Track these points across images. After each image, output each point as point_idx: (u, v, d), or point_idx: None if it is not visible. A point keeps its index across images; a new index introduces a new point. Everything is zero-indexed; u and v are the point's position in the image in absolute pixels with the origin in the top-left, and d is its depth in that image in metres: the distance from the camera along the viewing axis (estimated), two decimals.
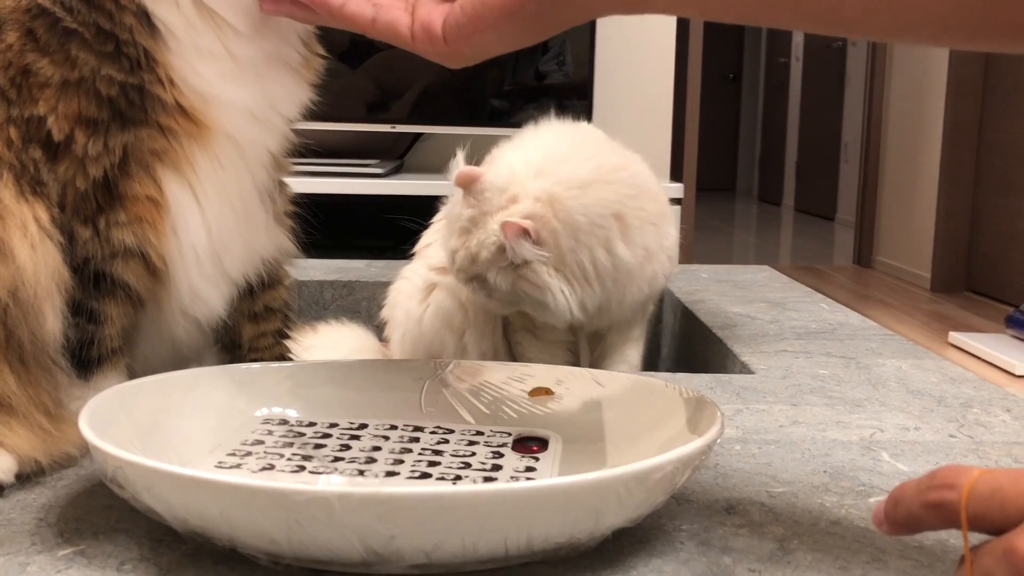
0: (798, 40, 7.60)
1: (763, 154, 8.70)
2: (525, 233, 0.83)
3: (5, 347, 0.59)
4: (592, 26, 2.63)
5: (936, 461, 0.69)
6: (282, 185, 0.75)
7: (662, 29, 2.81)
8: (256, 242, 0.72)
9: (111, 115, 0.61)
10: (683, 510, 0.60)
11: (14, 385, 0.60)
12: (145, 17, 0.61)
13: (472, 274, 0.87)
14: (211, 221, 0.66)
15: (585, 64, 2.67)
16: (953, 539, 0.56)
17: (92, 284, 0.63)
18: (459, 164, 0.87)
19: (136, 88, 0.61)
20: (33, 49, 0.59)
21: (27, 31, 0.59)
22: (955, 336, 3.63)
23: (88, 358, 0.64)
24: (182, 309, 0.68)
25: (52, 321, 0.61)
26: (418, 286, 1.02)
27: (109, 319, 0.64)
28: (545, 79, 2.72)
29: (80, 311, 0.63)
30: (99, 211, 0.62)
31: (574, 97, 2.68)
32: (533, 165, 0.86)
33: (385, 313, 1.07)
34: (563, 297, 0.86)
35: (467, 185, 0.86)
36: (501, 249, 0.85)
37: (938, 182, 4.66)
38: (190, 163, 0.64)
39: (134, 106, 0.61)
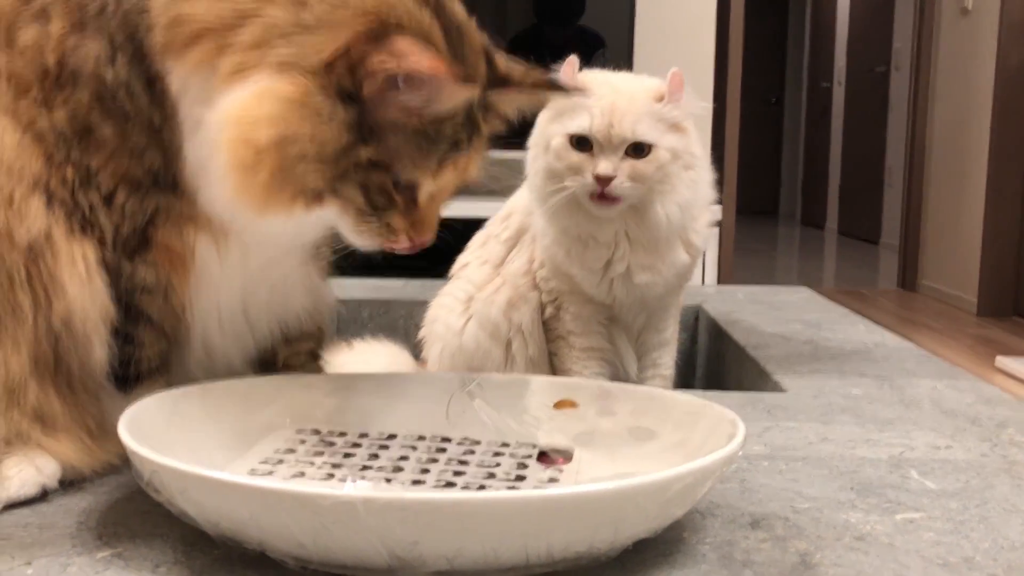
0: (840, 64, 7.55)
1: (806, 178, 8.63)
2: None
3: (54, 373, 0.63)
4: (630, 48, 2.65)
5: (967, 480, 0.69)
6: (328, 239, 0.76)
7: (701, 52, 2.82)
8: (291, 300, 0.74)
9: (152, 181, 0.64)
10: (707, 524, 0.60)
11: (59, 407, 0.63)
12: (181, 146, 0.63)
13: (620, 139, 0.91)
14: (236, 281, 0.69)
15: None
16: (979, 557, 0.56)
17: (125, 311, 0.67)
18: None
19: (173, 173, 0.64)
20: (100, 112, 0.63)
21: (97, 96, 0.63)
22: (1002, 360, 3.55)
23: (128, 376, 0.68)
24: (207, 349, 0.71)
25: (99, 351, 0.65)
26: (460, 299, 1.04)
27: (143, 343, 0.67)
28: None
29: (120, 335, 0.67)
30: (135, 250, 0.66)
31: None
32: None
33: (424, 331, 1.09)
34: (684, 189, 0.92)
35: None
36: (659, 98, 0.92)
37: (984, 205, 4.59)
38: (220, 232, 0.66)
39: (171, 182, 0.64)
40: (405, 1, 0.60)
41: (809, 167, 8.58)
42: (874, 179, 6.83)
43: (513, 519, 0.47)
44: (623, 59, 2.64)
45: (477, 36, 0.66)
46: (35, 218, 0.62)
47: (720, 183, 3.15)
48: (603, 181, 0.91)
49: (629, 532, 0.51)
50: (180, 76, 0.61)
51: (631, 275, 0.96)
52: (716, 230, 2.66)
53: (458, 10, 0.65)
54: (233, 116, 0.58)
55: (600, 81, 0.96)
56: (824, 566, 0.54)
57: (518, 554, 0.48)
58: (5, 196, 0.62)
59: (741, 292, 1.52)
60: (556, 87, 0.72)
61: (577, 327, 1.00)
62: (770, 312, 1.35)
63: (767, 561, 0.55)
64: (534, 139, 0.99)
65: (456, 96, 0.60)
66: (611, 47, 2.64)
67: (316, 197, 0.60)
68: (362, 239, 0.64)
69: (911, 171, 5.38)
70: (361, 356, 1.10)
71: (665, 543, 0.56)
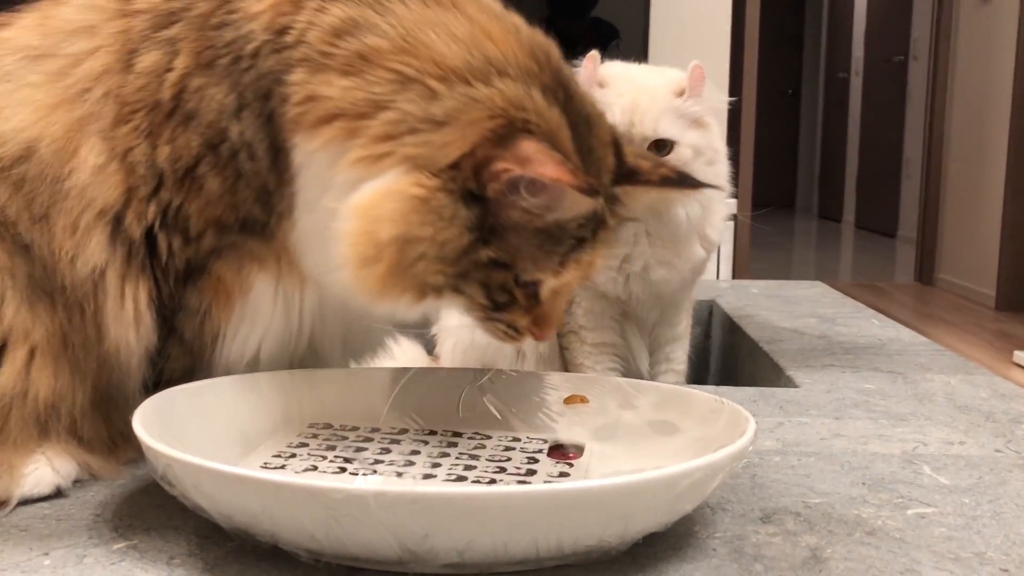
0: (858, 55, 7.50)
1: (823, 170, 8.59)
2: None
3: (105, 400, 0.65)
4: (645, 40, 2.64)
5: (979, 476, 0.68)
6: None
7: (717, 43, 2.81)
8: (359, 348, 0.74)
9: (239, 227, 0.64)
10: (717, 518, 0.60)
11: (100, 430, 0.65)
12: (291, 210, 0.63)
13: (641, 138, 0.90)
14: (293, 322, 0.68)
15: None
16: (991, 552, 0.56)
17: (168, 326, 0.67)
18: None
19: (267, 227, 0.64)
20: (210, 162, 0.63)
21: (210, 144, 0.62)
22: (1020, 355, 3.53)
23: (155, 383, 0.68)
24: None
25: (137, 377, 0.66)
26: None
27: (169, 356, 0.68)
28: None
29: (158, 350, 0.67)
30: (189, 277, 0.66)
31: None
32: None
33: (437, 326, 1.09)
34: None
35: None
36: (680, 93, 0.92)
37: (1003, 198, 4.55)
38: (290, 275, 0.66)
39: (259, 231, 0.64)
40: (535, 98, 0.59)
41: (826, 159, 8.53)
42: (892, 171, 6.78)
43: (523, 513, 0.47)
44: (638, 51, 2.63)
45: (606, 128, 0.66)
46: (93, 252, 0.62)
47: (735, 176, 3.14)
48: None
49: (639, 526, 0.51)
50: (305, 151, 0.61)
51: (648, 272, 0.96)
52: (731, 224, 2.65)
53: (588, 103, 0.65)
54: (359, 209, 0.57)
55: (621, 75, 0.94)
56: (835, 560, 0.54)
57: (528, 547, 0.48)
58: (72, 221, 0.61)
59: (755, 287, 1.52)
60: (685, 183, 0.70)
61: (589, 322, 1.00)
62: (784, 307, 1.35)
63: (778, 555, 0.55)
64: None
65: (580, 206, 0.59)
66: (626, 39, 2.63)
67: (436, 292, 0.59)
68: (483, 331, 0.64)
69: (929, 163, 5.34)
70: None
71: (675, 537, 0.56)
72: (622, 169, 0.66)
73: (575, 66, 0.89)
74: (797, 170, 9.03)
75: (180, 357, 0.67)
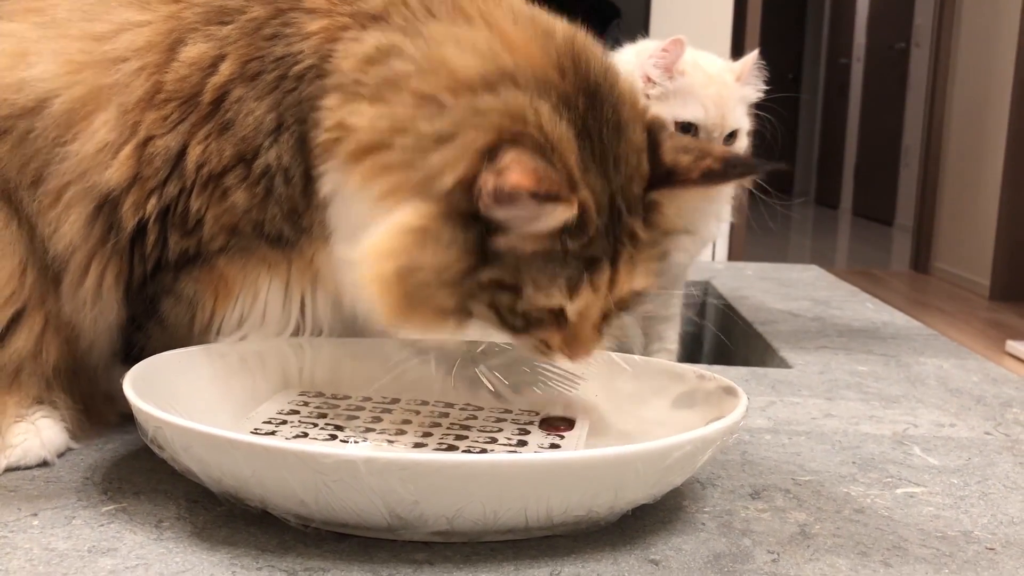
0: (860, 41, 7.46)
1: (821, 157, 8.57)
2: None
3: (62, 377, 0.65)
4: (646, 20, 2.63)
5: (968, 457, 0.69)
6: None
7: (718, 26, 2.79)
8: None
9: (258, 235, 0.63)
10: (707, 493, 0.60)
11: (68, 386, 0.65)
12: (323, 234, 0.62)
13: (725, 130, 0.93)
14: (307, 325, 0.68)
15: None
16: (978, 531, 0.56)
17: (148, 306, 0.66)
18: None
19: (296, 242, 0.63)
20: (239, 176, 0.61)
21: (242, 158, 0.61)
22: (1012, 345, 3.54)
23: (132, 355, 0.67)
24: None
25: (98, 353, 0.66)
26: None
27: (151, 336, 0.67)
28: None
29: (132, 324, 0.67)
30: (186, 264, 0.65)
31: None
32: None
33: None
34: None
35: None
36: (739, 79, 0.95)
37: (1000, 188, 4.55)
38: (313, 282, 0.66)
39: (285, 242, 0.64)
40: (539, 109, 0.56)
41: (825, 146, 8.52)
42: (890, 159, 6.77)
43: (513, 481, 0.47)
44: (639, 31, 2.62)
45: (638, 134, 0.60)
46: (68, 230, 0.61)
47: None
48: None
49: (628, 498, 0.51)
50: (336, 181, 0.60)
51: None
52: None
53: (623, 107, 0.60)
54: (365, 251, 0.56)
55: (694, 64, 0.96)
56: (823, 536, 0.55)
57: (518, 516, 0.48)
58: (57, 188, 0.61)
59: (750, 269, 1.52)
60: (731, 173, 0.63)
61: None
62: (779, 289, 1.35)
63: (766, 531, 0.55)
64: None
65: (552, 215, 0.54)
66: (627, 18, 2.61)
67: (454, 315, 0.58)
68: (520, 349, 0.62)
69: (928, 151, 5.33)
70: None
71: (665, 510, 0.57)
72: (658, 172, 0.61)
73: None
74: (796, 156, 9.02)
75: (159, 337, 0.67)
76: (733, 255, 2.71)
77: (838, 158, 8.00)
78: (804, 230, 7.32)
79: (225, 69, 0.61)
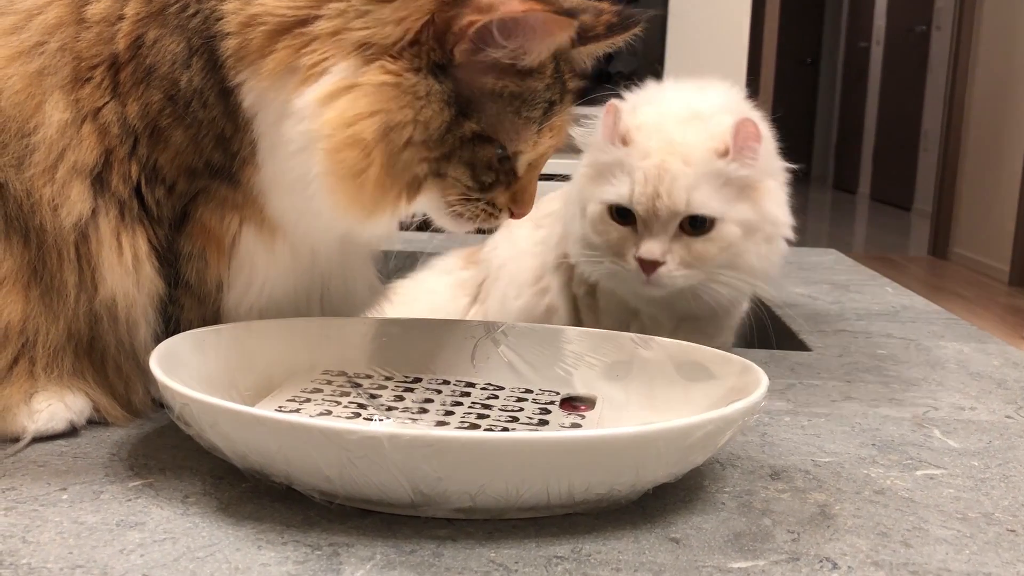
0: (879, 24, 7.38)
1: (840, 141, 8.50)
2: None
3: (89, 350, 0.64)
4: (664, 7, 2.61)
5: (989, 440, 0.69)
6: None
7: (736, 8, 2.77)
8: (351, 299, 0.73)
9: (209, 172, 0.64)
10: (727, 474, 0.60)
11: (91, 377, 0.65)
12: (253, 155, 0.62)
13: (670, 213, 0.73)
14: (289, 278, 0.68)
15: (656, 45, 2.64)
16: (999, 513, 0.56)
17: (174, 278, 0.67)
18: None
19: (233, 171, 0.63)
20: (171, 115, 0.62)
21: (170, 97, 0.61)
22: None
23: (169, 333, 0.68)
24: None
25: (144, 332, 0.65)
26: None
27: (183, 306, 0.68)
28: (614, 60, 2.71)
29: (169, 298, 0.67)
30: (177, 224, 0.66)
31: (645, 79, 2.66)
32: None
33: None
34: (756, 262, 0.77)
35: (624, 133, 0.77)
36: (723, 154, 0.73)
37: (1021, 173, 4.50)
38: (270, 231, 0.65)
39: (228, 174, 0.64)
40: None
41: (843, 130, 8.45)
42: (909, 143, 6.71)
43: (536, 459, 0.48)
44: (654, 21, 2.60)
45: None
46: (75, 203, 0.61)
47: None
48: (648, 266, 0.75)
49: (650, 477, 0.52)
50: (255, 89, 0.59)
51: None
52: None
53: None
54: (331, 122, 0.55)
55: (651, 128, 0.77)
56: (843, 517, 0.55)
57: (539, 494, 0.49)
58: (46, 170, 0.61)
59: None
60: (631, 21, 0.64)
61: (606, 320, 0.93)
62: (798, 273, 1.35)
63: (786, 511, 0.55)
64: (570, 194, 0.85)
65: (558, 34, 0.56)
66: (642, 2, 2.59)
67: (419, 187, 0.57)
68: (459, 222, 0.62)
69: (947, 136, 5.28)
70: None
71: (685, 490, 0.57)
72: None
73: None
74: (814, 140, 8.95)
75: (192, 307, 0.68)
76: None
77: (856, 142, 7.94)
78: (822, 215, 7.27)
79: (130, 11, 0.61)
